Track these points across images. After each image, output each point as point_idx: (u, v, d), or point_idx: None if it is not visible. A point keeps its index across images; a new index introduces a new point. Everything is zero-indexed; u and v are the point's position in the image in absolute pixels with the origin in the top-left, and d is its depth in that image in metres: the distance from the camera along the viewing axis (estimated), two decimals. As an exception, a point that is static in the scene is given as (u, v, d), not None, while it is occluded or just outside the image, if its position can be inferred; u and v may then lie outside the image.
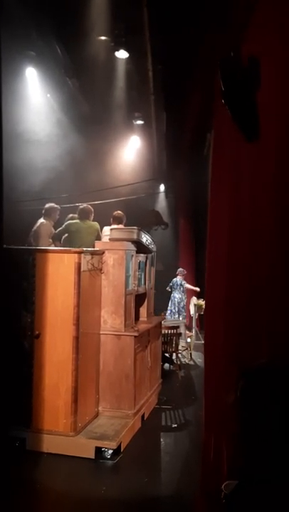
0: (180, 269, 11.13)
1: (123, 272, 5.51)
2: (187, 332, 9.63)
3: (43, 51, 7.38)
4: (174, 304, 10.77)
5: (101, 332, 5.48)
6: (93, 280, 5.29)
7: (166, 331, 7.78)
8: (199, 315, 10.41)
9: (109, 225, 6.62)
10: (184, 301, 10.88)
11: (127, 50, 7.25)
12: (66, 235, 6.47)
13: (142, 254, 6.27)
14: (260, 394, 1.31)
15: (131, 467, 4.65)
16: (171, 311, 10.75)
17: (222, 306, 3.20)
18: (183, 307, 10.84)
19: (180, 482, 4.32)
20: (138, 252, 6.03)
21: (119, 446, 4.82)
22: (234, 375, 1.80)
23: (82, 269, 4.93)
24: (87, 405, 5.14)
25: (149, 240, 6.50)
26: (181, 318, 10.46)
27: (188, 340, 9.39)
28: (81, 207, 6.61)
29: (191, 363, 9.05)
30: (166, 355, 7.99)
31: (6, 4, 5.37)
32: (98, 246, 5.66)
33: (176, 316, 10.62)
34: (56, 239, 6.59)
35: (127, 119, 10.16)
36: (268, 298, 2.56)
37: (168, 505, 4.02)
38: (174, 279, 10.89)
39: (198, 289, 10.75)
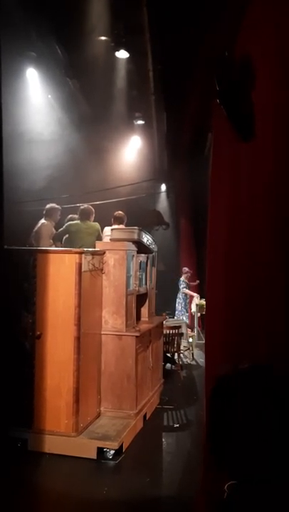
0: (184, 268, 11.11)
1: (124, 272, 5.51)
2: (189, 332, 9.63)
3: (44, 52, 7.39)
4: (180, 303, 10.76)
5: (102, 332, 5.48)
6: (94, 280, 5.30)
7: (168, 331, 7.78)
8: (201, 315, 10.41)
9: (110, 225, 6.63)
10: (186, 301, 10.87)
11: (127, 50, 7.26)
12: (67, 235, 6.47)
13: (142, 255, 6.27)
14: (224, 398, 1.34)
15: (133, 467, 4.65)
16: (179, 310, 10.71)
17: (221, 306, 3.20)
18: (184, 307, 10.83)
19: (182, 482, 4.31)
20: (139, 252, 6.03)
21: (121, 447, 4.82)
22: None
23: (83, 270, 4.93)
24: (89, 406, 5.15)
25: (150, 240, 6.50)
26: (184, 318, 10.46)
27: (190, 340, 9.40)
28: (82, 207, 6.61)
29: (193, 362, 9.05)
30: (168, 355, 7.99)
31: (6, 5, 5.38)
32: (99, 246, 5.66)
33: (183, 315, 10.61)
34: (57, 239, 6.59)
35: (128, 119, 10.15)
36: (266, 298, 2.56)
37: (170, 505, 4.02)
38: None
39: (195, 294, 10.72)
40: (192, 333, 9.71)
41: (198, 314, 10.54)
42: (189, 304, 10.97)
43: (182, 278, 10.84)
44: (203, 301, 10.08)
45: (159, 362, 6.85)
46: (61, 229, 6.58)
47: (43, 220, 6.76)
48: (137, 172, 11.39)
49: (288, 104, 2.37)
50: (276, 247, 2.46)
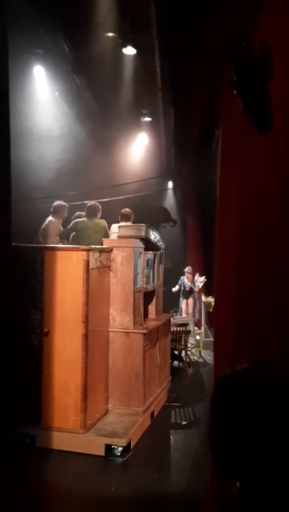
0: (188, 267, 11.03)
1: (131, 269, 5.50)
2: (196, 329, 9.61)
3: (51, 49, 7.37)
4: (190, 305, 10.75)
5: (110, 330, 5.48)
6: (102, 278, 5.29)
7: (175, 329, 7.77)
8: (208, 312, 10.38)
9: (117, 222, 6.61)
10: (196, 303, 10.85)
11: (134, 46, 7.21)
12: (74, 233, 6.47)
13: (150, 252, 6.25)
14: (225, 399, 1.32)
15: (141, 464, 4.65)
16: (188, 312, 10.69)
17: (231, 304, 3.18)
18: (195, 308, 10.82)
19: (189, 480, 4.31)
20: (146, 249, 6.01)
21: (128, 444, 4.82)
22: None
23: (90, 267, 4.92)
24: (97, 403, 5.15)
25: (158, 237, 6.48)
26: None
27: (198, 337, 9.38)
28: (88, 204, 6.59)
29: (200, 360, 9.03)
30: (176, 352, 7.98)
31: (13, 3, 5.37)
32: (106, 243, 5.65)
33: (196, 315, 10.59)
34: (64, 237, 6.59)
35: (135, 116, 10.12)
36: (276, 295, 2.53)
37: (177, 502, 4.01)
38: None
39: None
40: (199, 331, 9.68)
41: (206, 312, 10.51)
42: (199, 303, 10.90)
43: (183, 277, 10.78)
44: (210, 299, 10.05)
45: (166, 359, 6.84)
46: (68, 226, 6.57)
47: (50, 218, 6.76)
48: (144, 169, 11.36)
49: None
50: (287, 245, 2.44)
